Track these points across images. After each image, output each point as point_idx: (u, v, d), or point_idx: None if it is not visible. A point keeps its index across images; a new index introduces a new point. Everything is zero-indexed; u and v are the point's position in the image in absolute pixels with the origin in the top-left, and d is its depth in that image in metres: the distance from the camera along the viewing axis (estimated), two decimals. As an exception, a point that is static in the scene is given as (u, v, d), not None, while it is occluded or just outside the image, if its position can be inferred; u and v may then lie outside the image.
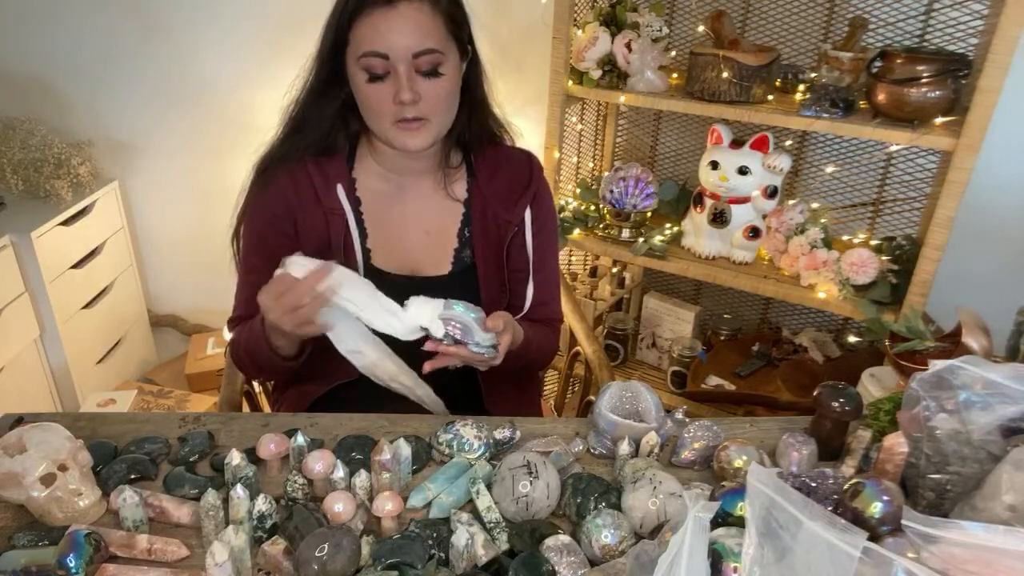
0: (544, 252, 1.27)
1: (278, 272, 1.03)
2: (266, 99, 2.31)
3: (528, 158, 1.28)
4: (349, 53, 1.08)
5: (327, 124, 1.16)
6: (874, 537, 0.71)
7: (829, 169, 1.84)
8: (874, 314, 1.55)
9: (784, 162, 1.62)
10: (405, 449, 0.91)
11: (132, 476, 0.92)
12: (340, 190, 1.18)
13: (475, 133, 1.22)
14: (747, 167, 1.64)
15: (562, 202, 1.95)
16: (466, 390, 1.21)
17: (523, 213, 1.23)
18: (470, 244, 1.23)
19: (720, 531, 0.74)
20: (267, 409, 1.41)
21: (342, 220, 1.17)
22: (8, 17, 2.37)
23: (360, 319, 1.03)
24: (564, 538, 0.81)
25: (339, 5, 1.07)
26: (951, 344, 1.11)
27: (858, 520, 0.72)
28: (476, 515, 0.86)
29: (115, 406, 2.27)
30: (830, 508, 0.75)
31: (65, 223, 2.22)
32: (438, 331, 0.99)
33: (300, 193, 1.18)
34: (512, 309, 1.23)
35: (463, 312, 0.99)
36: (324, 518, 0.82)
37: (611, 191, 1.84)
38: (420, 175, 1.22)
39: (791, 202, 1.77)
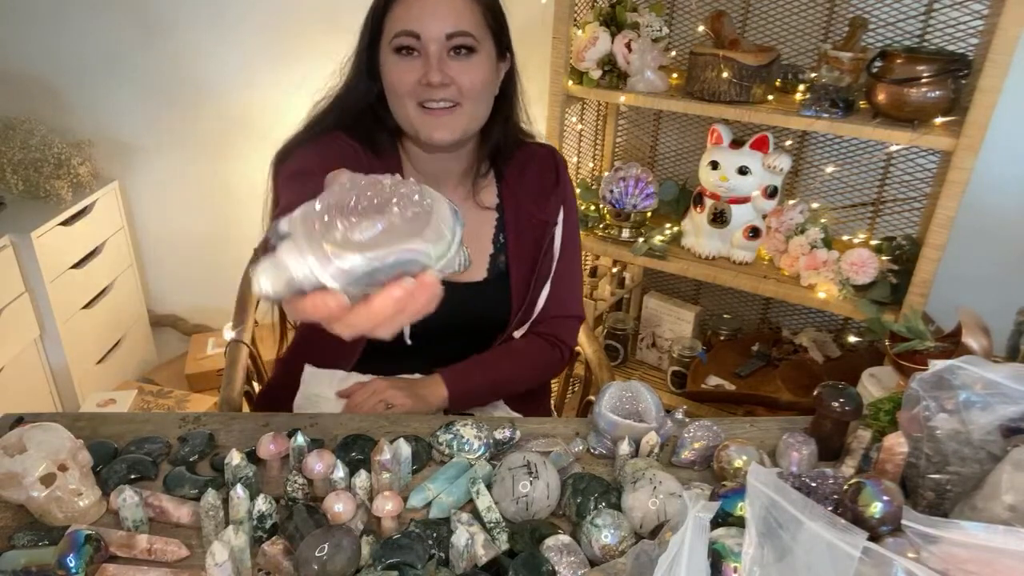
0: (572, 247, 1.27)
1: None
2: (266, 99, 2.33)
3: (551, 153, 1.28)
4: (383, 44, 1.06)
5: (361, 111, 1.12)
6: (874, 537, 0.71)
7: (829, 169, 1.84)
8: (874, 314, 1.55)
9: (784, 162, 1.62)
10: (405, 449, 0.91)
11: (132, 476, 0.92)
12: None
13: (507, 144, 1.20)
14: (747, 167, 1.64)
15: (562, 202, 1.96)
16: None
17: (557, 211, 1.23)
18: (504, 250, 1.21)
19: (720, 531, 0.74)
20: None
21: None
22: (8, 17, 2.37)
23: None
24: (564, 538, 0.81)
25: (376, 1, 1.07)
26: (951, 344, 1.11)
27: (858, 520, 0.72)
28: (476, 515, 0.86)
29: (115, 406, 2.27)
30: (830, 508, 0.75)
31: (65, 223, 2.22)
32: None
33: (366, 170, 1.14)
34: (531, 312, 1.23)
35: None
36: (324, 518, 0.82)
37: (611, 191, 1.84)
38: (452, 184, 1.20)
39: (791, 202, 1.77)
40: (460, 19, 1.03)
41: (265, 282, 0.52)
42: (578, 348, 1.51)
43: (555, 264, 1.25)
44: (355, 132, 1.12)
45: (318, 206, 0.51)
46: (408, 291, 0.52)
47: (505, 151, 1.20)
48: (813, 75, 1.61)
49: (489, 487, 0.88)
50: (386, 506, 0.83)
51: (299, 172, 1.04)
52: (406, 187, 0.53)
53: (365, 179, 0.53)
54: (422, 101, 1.04)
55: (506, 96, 1.15)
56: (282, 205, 0.97)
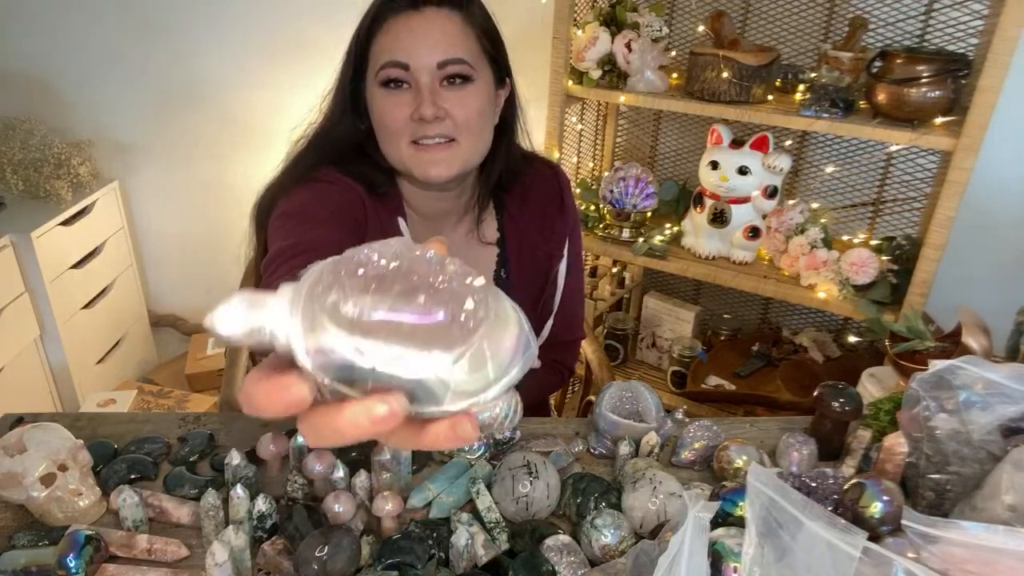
0: (576, 272, 1.23)
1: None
2: (266, 99, 2.32)
3: (555, 174, 1.19)
4: (369, 75, 0.97)
5: (347, 151, 1.03)
6: (874, 537, 0.71)
7: (829, 169, 1.84)
8: (874, 314, 1.55)
9: (784, 162, 1.62)
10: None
11: (132, 476, 0.92)
12: (402, 223, 1.06)
13: (508, 173, 1.11)
14: (747, 167, 1.64)
15: (562, 202, 1.95)
16: None
17: (563, 243, 1.17)
18: (507, 286, 1.13)
19: (720, 531, 0.74)
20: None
21: None
22: (8, 17, 2.37)
23: None
24: (564, 538, 0.81)
25: (360, 23, 0.98)
26: (951, 344, 1.11)
27: (858, 520, 0.72)
28: (476, 515, 0.86)
29: (115, 406, 2.27)
30: (830, 508, 0.75)
31: (65, 223, 2.22)
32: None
33: (366, 209, 1.01)
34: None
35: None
36: (324, 518, 0.82)
37: (611, 191, 1.84)
38: (453, 222, 1.12)
39: (791, 202, 1.77)
40: (452, 45, 0.93)
41: (225, 321, 0.34)
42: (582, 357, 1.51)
43: (559, 295, 1.19)
44: (349, 169, 1.02)
45: (336, 259, 0.36)
46: (395, 415, 0.33)
47: (506, 181, 1.12)
48: (813, 75, 1.61)
49: (489, 487, 0.88)
50: (386, 506, 0.83)
51: (296, 213, 0.95)
52: (473, 281, 0.35)
53: (422, 253, 0.36)
54: (415, 138, 0.95)
55: (507, 124, 1.07)
56: (276, 248, 0.88)
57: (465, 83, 0.95)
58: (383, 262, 0.35)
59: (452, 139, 0.96)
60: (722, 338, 2.03)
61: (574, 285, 1.23)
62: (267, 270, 0.85)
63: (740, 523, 0.74)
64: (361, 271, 0.35)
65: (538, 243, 1.15)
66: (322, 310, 0.34)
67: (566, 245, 1.19)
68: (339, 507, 0.82)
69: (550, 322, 1.20)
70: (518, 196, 1.15)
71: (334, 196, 0.99)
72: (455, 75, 0.95)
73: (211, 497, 0.81)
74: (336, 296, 0.34)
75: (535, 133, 1.89)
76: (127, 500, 0.82)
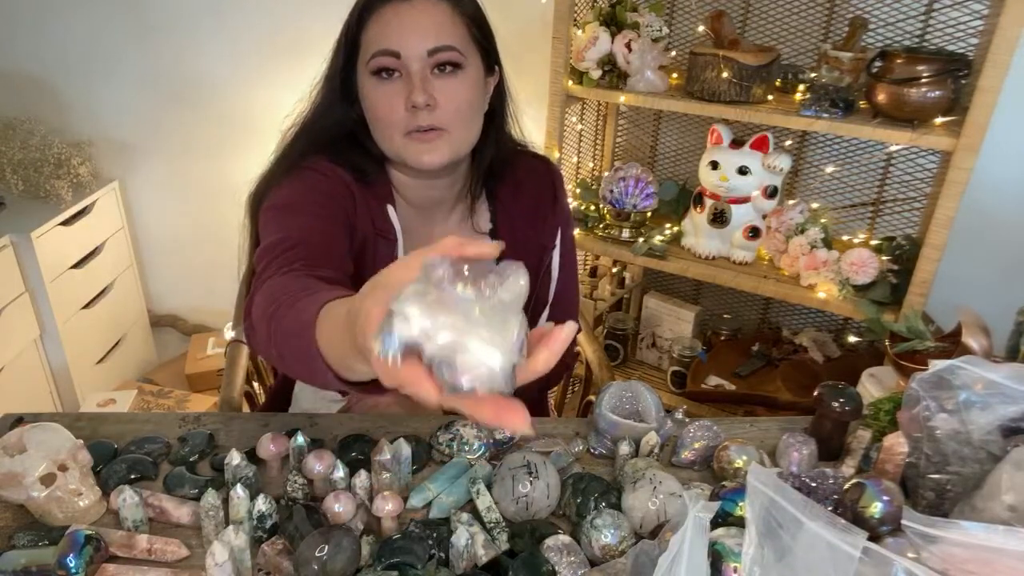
0: (569, 265, 1.23)
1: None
2: (266, 99, 2.32)
3: (548, 168, 1.20)
4: (360, 64, 0.98)
5: (338, 139, 1.05)
6: (874, 537, 0.71)
7: (829, 169, 1.84)
8: (874, 314, 1.55)
9: (784, 162, 1.62)
10: (405, 449, 0.91)
11: (132, 476, 0.92)
12: (391, 211, 1.07)
13: (500, 161, 1.12)
14: (747, 167, 1.64)
15: (562, 202, 1.95)
16: None
17: (555, 234, 1.17)
18: None
19: (720, 531, 0.74)
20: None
21: (392, 246, 1.06)
22: (8, 17, 2.37)
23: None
24: (564, 538, 0.81)
25: (350, 13, 0.99)
26: (951, 344, 1.11)
27: (858, 520, 0.72)
28: (476, 515, 0.86)
29: (115, 406, 2.27)
30: (830, 508, 0.75)
31: (65, 223, 2.22)
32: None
33: (355, 199, 1.03)
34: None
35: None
36: (324, 518, 0.82)
37: (611, 191, 1.84)
38: (446, 211, 1.12)
39: (791, 202, 1.77)
40: (443, 33, 0.95)
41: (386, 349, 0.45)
42: (578, 348, 1.51)
43: (553, 286, 1.20)
44: (338, 158, 1.04)
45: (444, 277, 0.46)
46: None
47: (498, 169, 1.13)
48: (813, 75, 1.61)
49: (489, 487, 0.88)
50: (386, 506, 0.83)
51: (285, 206, 0.97)
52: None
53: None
54: (409, 130, 0.97)
55: (496, 112, 1.09)
56: (266, 242, 0.90)
57: (455, 71, 0.97)
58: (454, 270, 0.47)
59: (443, 128, 0.97)
60: (722, 338, 2.03)
61: (568, 276, 1.24)
62: (259, 264, 0.88)
63: (740, 523, 0.74)
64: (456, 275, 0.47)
65: (531, 235, 1.16)
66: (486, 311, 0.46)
67: (558, 236, 1.19)
68: (339, 507, 0.82)
69: (545, 313, 1.21)
70: (511, 187, 1.16)
71: (322, 186, 1.01)
72: (445, 62, 0.96)
73: (211, 497, 0.80)
74: (487, 296, 0.47)
75: (535, 133, 1.90)
76: (127, 500, 0.82)
